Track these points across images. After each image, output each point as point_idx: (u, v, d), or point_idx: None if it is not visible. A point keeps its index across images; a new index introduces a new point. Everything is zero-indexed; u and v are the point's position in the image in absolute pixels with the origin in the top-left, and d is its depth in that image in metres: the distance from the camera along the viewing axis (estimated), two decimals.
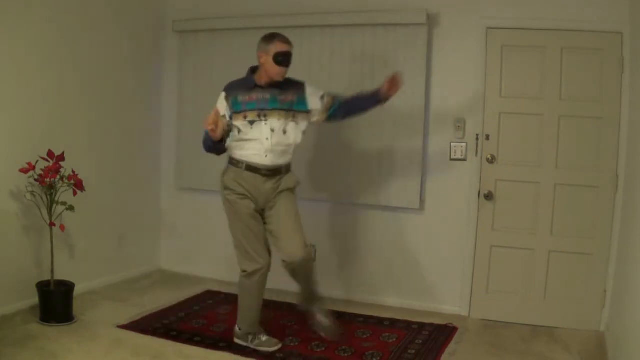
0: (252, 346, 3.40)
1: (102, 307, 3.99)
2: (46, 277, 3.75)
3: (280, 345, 3.42)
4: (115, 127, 4.53)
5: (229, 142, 3.37)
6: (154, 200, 5.03)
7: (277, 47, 3.23)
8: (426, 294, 4.26)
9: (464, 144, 4.11)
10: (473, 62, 4.05)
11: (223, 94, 3.39)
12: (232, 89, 3.38)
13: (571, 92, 3.88)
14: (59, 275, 3.76)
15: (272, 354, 3.35)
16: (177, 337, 3.54)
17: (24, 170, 3.56)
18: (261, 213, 3.40)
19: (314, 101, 3.37)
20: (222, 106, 3.35)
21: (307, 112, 3.37)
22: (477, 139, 4.06)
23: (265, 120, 3.27)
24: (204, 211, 4.91)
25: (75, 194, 3.70)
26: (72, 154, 3.79)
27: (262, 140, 3.27)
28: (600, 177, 3.85)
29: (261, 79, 3.31)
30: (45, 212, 3.65)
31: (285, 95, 3.32)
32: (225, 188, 3.38)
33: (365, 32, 4.23)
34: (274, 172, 3.33)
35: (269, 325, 3.77)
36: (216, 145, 3.38)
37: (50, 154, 3.62)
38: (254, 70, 3.38)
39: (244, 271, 3.37)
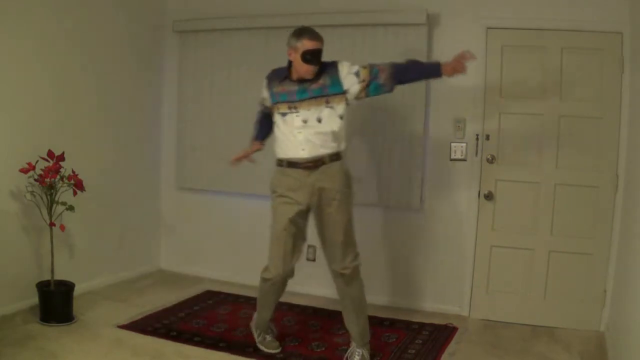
0: (256, 341, 3.42)
1: (102, 307, 3.99)
2: (46, 277, 3.75)
3: (278, 350, 3.41)
4: (115, 127, 4.53)
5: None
6: (154, 200, 5.03)
7: (305, 44, 3.05)
8: (426, 294, 4.26)
9: (464, 144, 4.11)
10: (473, 62, 4.03)
11: (265, 81, 3.33)
12: (271, 78, 3.29)
13: (571, 92, 3.88)
14: (59, 275, 3.76)
15: (272, 354, 3.34)
16: (177, 337, 3.54)
17: (24, 170, 3.56)
18: (307, 211, 3.22)
19: (350, 80, 3.11)
20: (265, 94, 3.32)
21: (343, 93, 3.12)
22: (477, 139, 4.06)
23: (297, 112, 3.12)
24: (204, 211, 4.92)
25: (75, 194, 3.70)
26: (72, 154, 3.78)
27: (294, 133, 3.12)
28: (600, 177, 3.85)
29: (293, 73, 3.16)
30: (45, 212, 3.65)
31: (316, 82, 3.12)
32: (272, 191, 3.26)
33: (365, 32, 4.23)
34: (315, 164, 3.13)
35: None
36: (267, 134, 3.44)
37: (50, 154, 3.62)
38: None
39: (262, 272, 3.33)
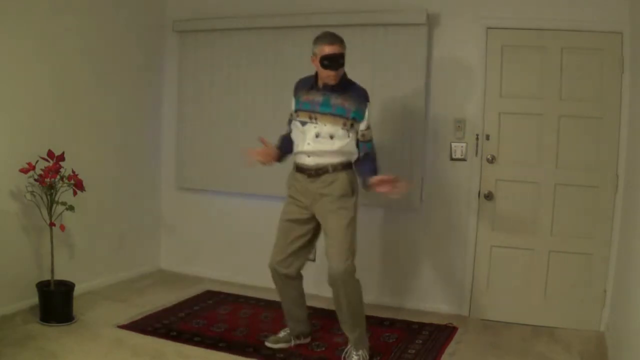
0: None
1: (102, 307, 3.99)
2: (46, 277, 3.75)
3: (279, 346, 3.42)
4: (115, 127, 4.53)
5: None
6: (154, 200, 5.03)
7: (323, 49, 3.09)
8: (426, 294, 4.26)
9: (464, 144, 4.11)
10: (473, 62, 4.05)
11: (293, 92, 3.36)
12: (298, 87, 3.34)
13: (571, 92, 3.88)
14: (59, 275, 3.76)
15: (273, 353, 3.35)
16: (177, 337, 3.54)
17: (24, 170, 3.56)
18: (313, 218, 3.28)
19: (365, 121, 3.22)
20: (293, 105, 3.34)
21: (359, 122, 3.20)
22: (477, 139, 4.06)
23: (315, 123, 3.18)
24: (204, 211, 4.92)
25: (75, 194, 3.70)
26: (72, 154, 3.78)
27: (307, 142, 3.19)
28: (600, 177, 3.85)
29: (319, 80, 3.21)
30: (45, 212, 3.65)
31: (342, 99, 3.16)
32: (288, 188, 3.36)
33: (365, 32, 4.23)
34: (317, 172, 3.20)
35: (270, 324, 3.77)
36: (288, 152, 3.39)
37: (50, 154, 3.62)
38: None
39: None
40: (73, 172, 3.70)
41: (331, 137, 3.17)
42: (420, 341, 3.64)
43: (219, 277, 4.79)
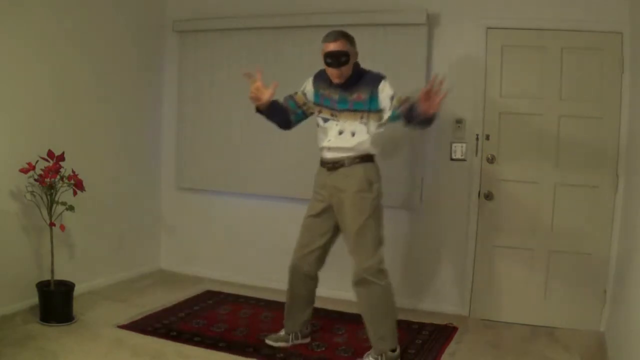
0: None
1: (102, 307, 3.99)
2: (46, 277, 3.75)
3: (279, 344, 3.43)
4: (115, 127, 4.53)
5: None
6: (154, 200, 5.03)
7: (325, 47, 3.12)
8: (426, 294, 4.26)
9: (464, 144, 4.11)
10: (473, 62, 4.05)
11: (310, 78, 3.34)
12: (318, 78, 3.31)
13: (571, 92, 3.88)
14: (59, 275, 3.76)
15: (273, 353, 3.35)
16: (177, 337, 3.54)
17: (24, 170, 3.56)
18: (332, 212, 3.27)
19: (384, 100, 3.12)
20: (308, 87, 3.33)
21: (379, 111, 3.14)
22: (477, 139, 4.06)
23: (337, 120, 3.21)
24: (204, 211, 4.92)
25: (75, 194, 3.70)
26: (72, 154, 3.78)
27: (329, 138, 3.22)
28: (600, 177, 3.85)
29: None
30: (45, 212, 3.65)
31: (357, 93, 3.16)
32: (314, 184, 3.38)
33: (365, 32, 4.22)
34: (334, 165, 3.21)
35: (270, 324, 3.77)
36: (271, 116, 3.30)
37: (50, 154, 3.62)
38: None
39: None
40: (73, 172, 3.70)
41: (353, 134, 3.18)
42: (420, 341, 3.64)
43: (219, 277, 4.79)
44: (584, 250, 3.90)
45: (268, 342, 3.47)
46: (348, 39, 3.15)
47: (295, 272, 3.39)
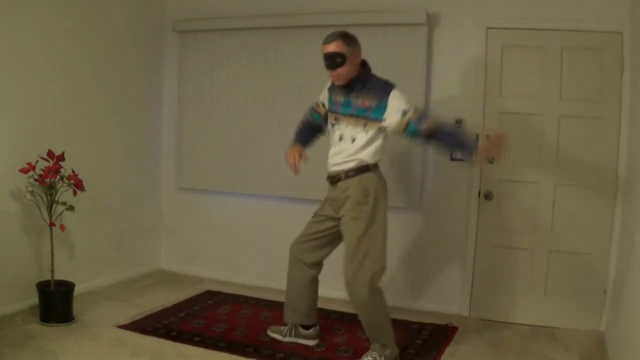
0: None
1: (102, 307, 3.99)
2: (46, 277, 3.75)
3: (275, 336, 3.52)
4: (115, 127, 4.53)
5: None
6: (154, 200, 5.03)
7: (323, 50, 3.10)
8: (426, 294, 4.26)
9: None
10: (473, 62, 4.05)
11: (327, 85, 3.33)
12: (333, 84, 3.26)
13: (571, 92, 3.88)
14: (59, 275, 3.76)
15: (273, 353, 3.35)
16: (177, 337, 3.54)
17: (24, 170, 3.56)
18: (335, 220, 3.26)
19: (393, 112, 3.01)
20: (324, 94, 3.34)
21: (380, 120, 3.04)
22: (477, 139, 4.06)
23: (339, 124, 3.17)
24: (204, 211, 4.92)
25: (75, 194, 3.70)
26: (72, 154, 3.78)
27: (332, 145, 3.22)
28: (600, 177, 3.85)
29: None
30: (45, 212, 3.65)
31: (363, 99, 3.08)
32: None
33: (365, 32, 4.21)
34: (333, 180, 3.21)
35: (270, 324, 3.77)
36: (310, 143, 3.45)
37: (50, 154, 3.62)
38: None
39: None
40: (73, 172, 3.70)
41: (353, 140, 3.11)
42: (420, 341, 3.64)
43: (219, 277, 4.79)
44: (584, 250, 3.90)
45: (268, 331, 3.56)
46: (346, 39, 3.06)
47: (292, 256, 3.43)
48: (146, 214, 4.94)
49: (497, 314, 4.08)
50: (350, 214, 3.12)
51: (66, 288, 3.71)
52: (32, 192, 3.63)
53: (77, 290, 3.82)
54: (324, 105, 3.36)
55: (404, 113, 2.99)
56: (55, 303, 3.65)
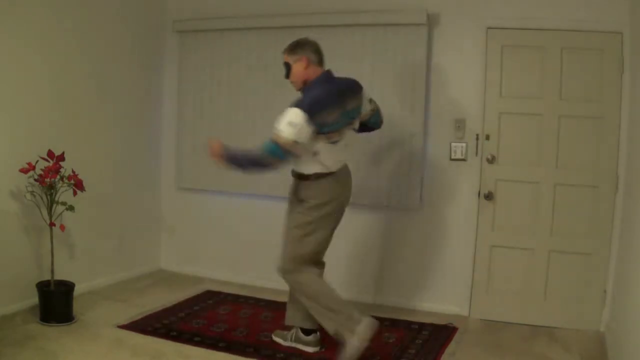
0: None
1: (102, 307, 3.99)
2: (46, 277, 3.75)
3: (277, 340, 3.50)
4: (115, 127, 4.53)
5: None
6: (154, 200, 5.03)
7: None
8: (426, 294, 4.26)
9: (464, 144, 4.11)
10: (473, 62, 4.05)
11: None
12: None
13: (571, 92, 3.88)
14: (59, 275, 3.76)
15: (273, 353, 3.35)
16: (177, 337, 3.54)
17: (24, 170, 3.56)
18: None
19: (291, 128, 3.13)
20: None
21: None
22: (477, 139, 4.06)
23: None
24: (204, 211, 4.92)
25: (75, 194, 3.70)
26: (72, 154, 3.78)
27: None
28: (600, 177, 3.85)
29: None
30: (45, 212, 3.65)
31: None
32: None
33: (365, 32, 4.23)
34: (294, 177, 3.34)
35: (270, 324, 3.77)
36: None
37: (50, 154, 3.62)
38: None
39: None
40: (73, 172, 3.70)
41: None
42: (420, 341, 3.64)
43: (219, 277, 4.79)
44: (584, 250, 3.90)
45: (272, 335, 3.55)
46: (289, 49, 3.23)
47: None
48: (146, 214, 4.94)
49: (497, 314, 4.08)
50: (294, 203, 3.34)
51: (66, 288, 3.72)
52: (32, 192, 3.63)
53: (77, 290, 3.82)
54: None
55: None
56: (55, 303, 3.65)
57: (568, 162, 3.91)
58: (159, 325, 3.71)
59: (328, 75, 3.25)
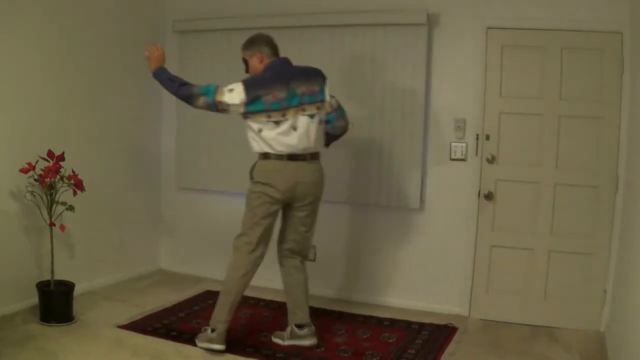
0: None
1: (102, 307, 3.99)
2: (46, 277, 3.75)
3: (276, 341, 3.52)
4: (115, 127, 4.53)
5: None
6: (154, 200, 5.03)
7: None
8: (426, 294, 4.26)
9: (464, 144, 4.11)
10: (473, 62, 4.05)
11: None
12: None
13: (571, 92, 3.88)
14: (59, 275, 3.76)
15: (273, 353, 3.35)
16: (177, 337, 3.54)
17: (24, 170, 3.56)
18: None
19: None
20: None
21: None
22: (477, 139, 4.06)
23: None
24: (204, 211, 4.92)
25: (75, 194, 3.70)
26: (72, 154, 3.78)
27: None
28: (600, 177, 3.85)
29: None
30: (45, 212, 3.65)
31: None
32: None
33: (365, 32, 4.23)
34: None
35: (270, 324, 3.77)
36: None
37: (50, 154, 3.62)
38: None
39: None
40: (73, 172, 3.70)
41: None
42: (420, 341, 3.64)
43: (219, 277, 4.76)
44: (584, 250, 3.90)
45: (272, 337, 3.58)
46: (243, 46, 3.47)
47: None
48: (146, 214, 4.94)
49: (497, 314, 4.08)
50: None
51: (66, 288, 3.72)
52: (32, 192, 3.63)
53: (77, 290, 3.82)
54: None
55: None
56: (55, 303, 3.65)
57: (568, 162, 3.91)
58: (159, 325, 3.71)
59: (277, 62, 3.40)
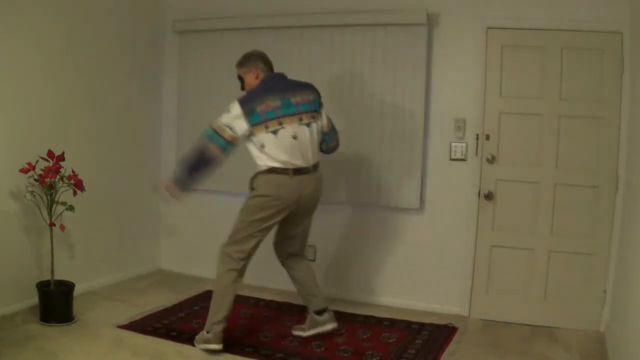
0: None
1: (102, 307, 3.99)
2: (46, 277, 3.75)
3: (297, 333, 3.61)
4: (115, 127, 4.53)
5: None
6: (154, 201, 5.03)
7: None
8: (426, 294, 4.26)
9: (464, 144, 4.11)
10: (473, 62, 4.05)
11: None
12: None
13: (571, 92, 3.88)
14: (59, 275, 3.76)
15: (273, 353, 3.35)
16: (177, 337, 3.54)
17: (24, 170, 3.56)
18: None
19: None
20: None
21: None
22: (477, 139, 4.06)
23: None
24: (204, 211, 4.91)
25: (75, 194, 3.70)
26: (72, 154, 3.79)
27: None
28: (600, 177, 3.85)
29: None
30: (45, 212, 3.65)
31: None
32: None
33: (365, 32, 4.23)
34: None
35: (270, 324, 3.77)
36: None
37: (50, 154, 3.62)
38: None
39: None
40: (73, 172, 3.70)
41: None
42: (420, 341, 3.64)
43: None
44: (584, 250, 3.90)
45: (292, 331, 3.67)
46: (238, 63, 3.49)
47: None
48: (146, 214, 4.94)
49: (497, 314, 4.08)
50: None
51: (66, 288, 3.72)
52: (32, 192, 3.63)
53: (77, 290, 3.82)
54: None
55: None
56: (55, 303, 3.65)
57: (568, 162, 3.91)
58: (159, 325, 3.71)
59: (272, 76, 3.44)
